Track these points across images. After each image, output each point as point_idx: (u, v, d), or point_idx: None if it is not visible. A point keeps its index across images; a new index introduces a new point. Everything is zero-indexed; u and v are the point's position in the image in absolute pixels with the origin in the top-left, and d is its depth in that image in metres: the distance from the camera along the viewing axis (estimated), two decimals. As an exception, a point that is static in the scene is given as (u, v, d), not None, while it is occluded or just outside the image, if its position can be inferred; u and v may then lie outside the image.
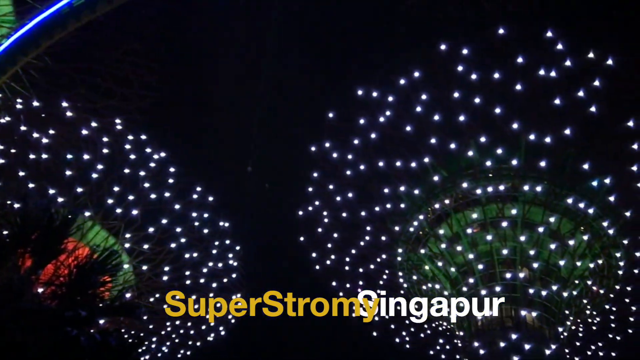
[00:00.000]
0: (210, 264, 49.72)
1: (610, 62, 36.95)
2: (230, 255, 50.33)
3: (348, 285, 53.04)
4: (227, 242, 49.76)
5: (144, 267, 48.18)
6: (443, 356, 56.75)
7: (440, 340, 56.00)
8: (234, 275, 50.96)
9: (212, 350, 57.51)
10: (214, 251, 49.51)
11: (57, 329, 10.29)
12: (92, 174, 44.82)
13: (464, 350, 43.31)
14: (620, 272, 44.63)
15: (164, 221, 47.16)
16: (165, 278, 48.84)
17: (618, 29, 37.68)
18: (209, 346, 55.58)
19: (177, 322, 52.57)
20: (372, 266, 50.64)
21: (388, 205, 45.97)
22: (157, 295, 50.02)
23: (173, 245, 47.74)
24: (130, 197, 46.13)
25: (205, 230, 48.72)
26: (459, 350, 46.61)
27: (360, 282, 52.76)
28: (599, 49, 37.15)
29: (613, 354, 52.70)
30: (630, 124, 38.14)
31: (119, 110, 44.95)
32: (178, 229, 47.66)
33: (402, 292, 52.09)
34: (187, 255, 48.46)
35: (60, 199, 43.23)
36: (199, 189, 48.41)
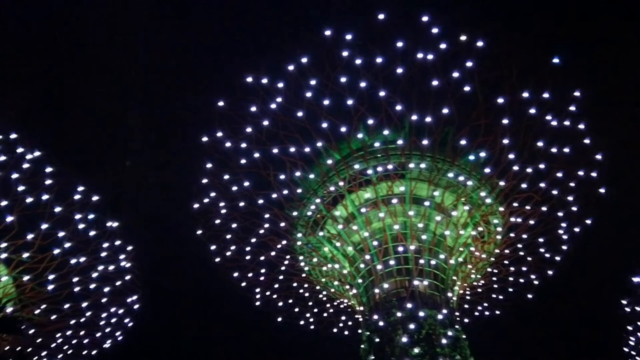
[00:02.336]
0: (100, 267, 46.74)
1: (480, 43, 39.94)
2: (122, 257, 47.63)
3: (250, 275, 52.86)
4: (117, 242, 46.98)
5: (26, 278, 44.13)
6: (346, 332, 58.84)
7: (343, 317, 57.96)
8: (127, 277, 48.42)
9: (111, 358, 54.62)
10: (103, 254, 46.57)
11: None
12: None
13: (365, 324, 45.02)
14: (499, 237, 48.97)
15: (45, 226, 43.31)
16: (50, 287, 45.15)
17: (485, 12, 40.71)
18: (106, 354, 52.63)
19: (68, 333, 49.17)
20: (272, 253, 50.79)
21: (285, 191, 46.25)
22: (44, 307, 46.29)
23: (57, 251, 44.09)
24: (4, 203, 41.90)
25: (92, 232, 45.57)
26: (360, 324, 48.45)
27: (262, 270, 52.80)
28: (470, 32, 39.98)
29: (497, 313, 57.94)
30: (500, 100, 41.68)
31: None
32: (61, 234, 44.08)
33: (303, 275, 53.03)
34: (73, 261, 45.11)
35: None
36: (80, 188, 45.07)
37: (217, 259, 50.34)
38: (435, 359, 39.45)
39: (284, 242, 49.86)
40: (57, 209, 43.68)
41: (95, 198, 45.53)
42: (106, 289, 47.98)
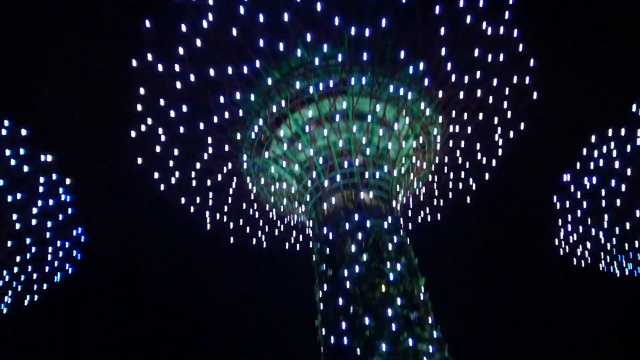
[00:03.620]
0: (40, 202, 45.30)
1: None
2: (61, 190, 46.19)
3: (198, 200, 52.78)
4: (54, 176, 45.33)
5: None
6: (298, 247, 60.85)
7: (294, 233, 59.65)
8: (69, 211, 47.25)
9: (63, 289, 54.54)
10: (41, 189, 44.97)
11: None
12: None
13: (316, 238, 46.55)
14: (438, 147, 50.56)
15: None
16: (-11, 226, 43.74)
17: None
18: (57, 286, 52.38)
19: (15, 270, 48.39)
20: (219, 177, 50.59)
21: (226, 114, 45.26)
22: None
23: (-10, 189, 42.29)
24: None
25: (26, 168, 43.62)
26: (311, 239, 50.09)
27: (210, 194, 52.76)
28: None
29: (438, 218, 61.03)
30: (437, 10, 41.27)
31: None
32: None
33: (252, 196, 53.46)
34: (9, 198, 43.43)
35: None
36: (7, 122, 42.50)
37: (162, 187, 49.74)
38: (382, 263, 41.59)
39: (230, 165, 49.58)
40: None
41: (24, 132, 43.21)
42: (49, 224, 46.81)
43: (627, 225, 57.35)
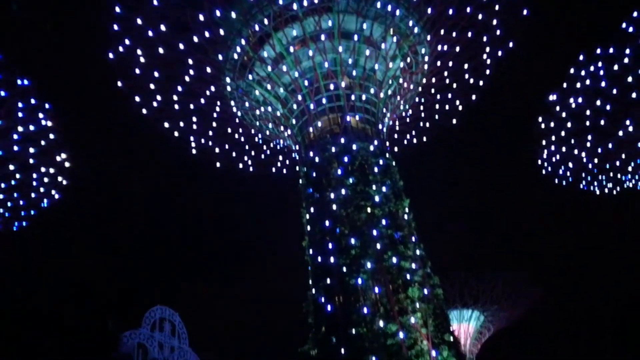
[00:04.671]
0: (20, 128, 44.20)
1: None
2: (42, 115, 44.97)
3: (182, 124, 52.00)
4: (33, 101, 43.91)
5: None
6: (284, 171, 61.12)
7: (280, 157, 59.67)
8: (51, 136, 46.26)
9: (52, 215, 54.66)
10: (20, 114, 43.70)
11: None
12: None
13: (302, 161, 46.61)
14: (426, 67, 49.61)
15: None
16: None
17: None
18: (45, 212, 52.43)
19: (1, 197, 48.16)
20: (202, 100, 49.57)
21: (206, 34, 43.55)
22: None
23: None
24: None
25: (2, 93, 42.11)
26: (297, 162, 50.15)
27: (194, 119, 51.94)
28: None
29: (424, 139, 61.14)
30: None
31: None
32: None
33: (236, 120, 52.77)
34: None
35: None
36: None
37: (144, 111, 48.69)
38: (368, 185, 42.08)
39: (213, 88, 48.43)
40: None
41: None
42: (32, 150, 46.01)
43: (610, 145, 58.00)
